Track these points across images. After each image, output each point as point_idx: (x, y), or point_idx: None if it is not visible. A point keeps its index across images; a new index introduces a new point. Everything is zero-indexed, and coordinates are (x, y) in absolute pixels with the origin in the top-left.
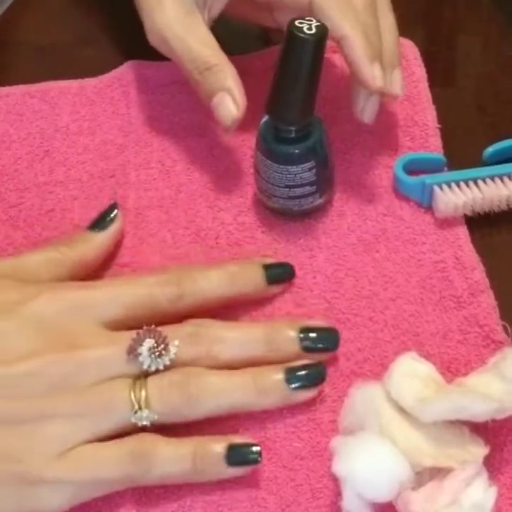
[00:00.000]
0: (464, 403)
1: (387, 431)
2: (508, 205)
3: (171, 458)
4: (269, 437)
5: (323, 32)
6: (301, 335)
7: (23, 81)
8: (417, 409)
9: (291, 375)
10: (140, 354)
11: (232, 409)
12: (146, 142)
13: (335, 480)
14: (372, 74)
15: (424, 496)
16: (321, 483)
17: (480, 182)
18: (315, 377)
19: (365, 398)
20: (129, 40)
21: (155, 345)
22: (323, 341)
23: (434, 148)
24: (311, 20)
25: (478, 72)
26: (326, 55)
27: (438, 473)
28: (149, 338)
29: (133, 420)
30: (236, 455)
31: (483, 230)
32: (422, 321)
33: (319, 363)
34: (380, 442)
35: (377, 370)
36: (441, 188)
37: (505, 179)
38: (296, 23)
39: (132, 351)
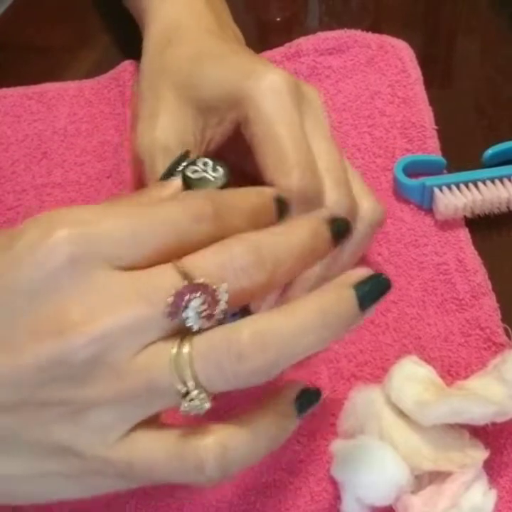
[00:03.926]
0: (464, 406)
1: (387, 434)
2: (508, 207)
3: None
4: None
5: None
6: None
7: (21, 82)
8: (417, 412)
9: (362, 293)
10: (184, 318)
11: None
12: None
13: (334, 483)
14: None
15: (423, 500)
16: (321, 487)
17: (480, 184)
18: (383, 286)
19: (365, 401)
20: (127, 41)
21: (203, 303)
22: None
23: (432, 150)
24: (207, 166)
25: (476, 74)
26: (322, 57)
27: (437, 476)
28: (195, 294)
29: (184, 409)
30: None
31: (483, 232)
32: (423, 324)
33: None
34: (379, 446)
35: (378, 373)
36: (441, 190)
37: (506, 181)
38: (188, 172)
39: (174, 315)
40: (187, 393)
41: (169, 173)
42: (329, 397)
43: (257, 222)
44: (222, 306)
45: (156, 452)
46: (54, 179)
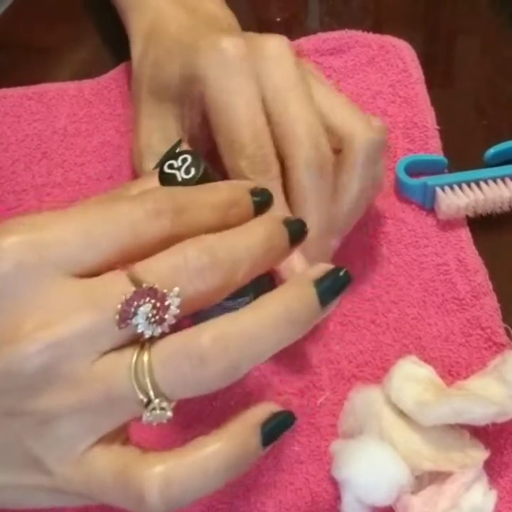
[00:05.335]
0: (464, 407)
1: (387, 435)
2: (510, 207)
3: None
4: None
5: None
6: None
7: (21, 82)
8: (417, 412)
9: (322, 289)
10: (135, 325)
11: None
12: None
13: (334, 484)
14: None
15: (423, 500)
16: (321, 487)
17: (482, 183)
18: (343, 281)
19: (364, 402)
20: (126, 41)
21: (152, 308)
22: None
23: (434, 150)
24: (186, 159)
25: (477, 74)
26: (323, 57)
27: (438, 477)
28: (144, 300)
29: (146, 419)
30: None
31: (485, 232)
32: (424, 324)
33: (337, 267)
34: (379, 446)
35: (379, 373)
36: (443, 190)
37: (507, 180)
38: (166, 168)
39: (124, 323)
40: (149, 402)
41: (160, 165)
42: (329, 398)
43: (228, 217)
44: (173, 311)
45: (107, 473)
46: (54, 179)
